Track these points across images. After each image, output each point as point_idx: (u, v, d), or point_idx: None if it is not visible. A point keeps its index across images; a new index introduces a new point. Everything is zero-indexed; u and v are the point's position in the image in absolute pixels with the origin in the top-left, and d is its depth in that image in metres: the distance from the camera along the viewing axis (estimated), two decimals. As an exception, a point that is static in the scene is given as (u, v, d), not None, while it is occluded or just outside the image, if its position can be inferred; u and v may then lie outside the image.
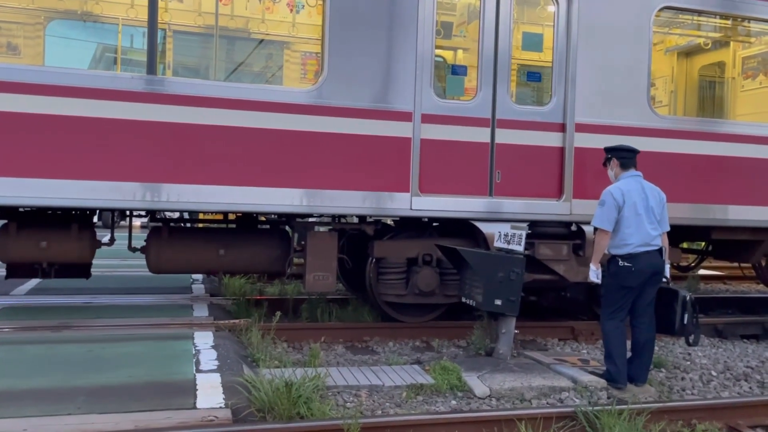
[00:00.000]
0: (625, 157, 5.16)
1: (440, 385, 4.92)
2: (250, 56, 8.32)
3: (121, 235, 7.00)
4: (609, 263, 5.04)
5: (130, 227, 6.73)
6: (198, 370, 4.45)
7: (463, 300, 6.00)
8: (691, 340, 5.08)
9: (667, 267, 5.07)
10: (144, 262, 6.53)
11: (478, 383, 4.97)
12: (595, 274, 5.09)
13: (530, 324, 7.05)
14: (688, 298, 4.98)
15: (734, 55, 8.11)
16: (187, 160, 5.71)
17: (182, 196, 5.71)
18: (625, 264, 4.89)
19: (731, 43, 8.05)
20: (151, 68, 5.75)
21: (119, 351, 4.93)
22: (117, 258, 9.95)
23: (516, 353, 5.92)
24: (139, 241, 6.68)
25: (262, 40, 7.88)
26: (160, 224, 6.60)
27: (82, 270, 6.61)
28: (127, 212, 6.76)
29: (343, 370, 5.23)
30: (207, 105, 5.79)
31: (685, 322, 4.95)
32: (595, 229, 5.13)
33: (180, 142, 5.72)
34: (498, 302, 5.52)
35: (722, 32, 7.94)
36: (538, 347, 6.54)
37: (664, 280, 5.07)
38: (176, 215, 8.12)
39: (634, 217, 4.90)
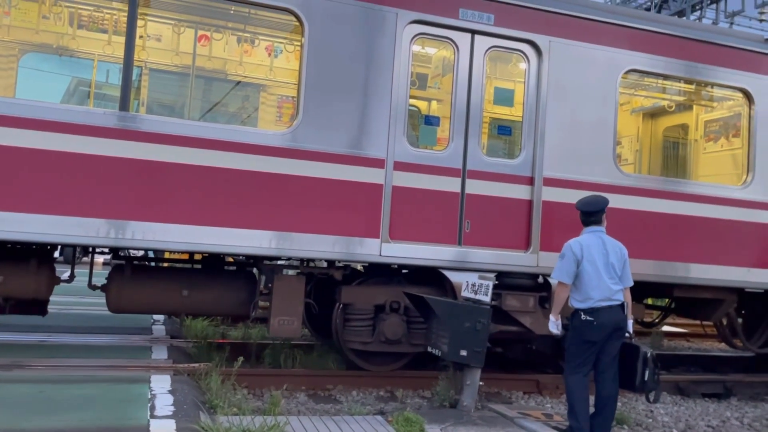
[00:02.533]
0: (582, 221, 5.21)
1: (402, 438, 4.81)
2: (226, 97, 8.36)
3: (81, 271, 6.83)
4: (572, 317, 5.07)
5: (92, 264, 6.57)
6: (152, 416, 4.29)
7: (429, 349, 5.95)
8: (651, 398, 5.09)
9: (630, 322, 5.11)
10: (104, 300, 6.35)
11: (441, 436, 4.89)
12: (554, 326, 5.11)
13: (495, 376, 7.00)
14: (649, 354, 5.00)
15: (697, 118, 8.42)
16: (155, 198, 5.65)
17: (148, 234, 5.62)
18: (588, 318, 4.92)
19: (694, 106, 8.38)
20: (124, 105, 5.73)
21: (72, 393, 4.73)
22: (76, 295, 9.68)
23: (480, 405, 5.85)
24: (100, 278, 6.52)
25: (238, 82, 7.94)
26: (122, 262, 6.46)
27: (39, 306, 6.40)
28: (90, 249, 6.61)
29: (304, 420, 5.09)
30: (179, 143, 5.76)
31: (646, 378, 4.96)
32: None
33: (149, 179, 5.66)
34: (463, 353, 5.49)
35: (686, 96, 8.26)
36: (502, 400, 6.48)
37: (627, 335, 5.10)
38: (140, 253, 7.97)
39: (594, 271, 4.95)
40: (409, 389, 6.54)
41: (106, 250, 7.04)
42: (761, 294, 7.62)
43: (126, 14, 5.87)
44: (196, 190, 5.74)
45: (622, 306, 4.99)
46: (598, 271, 4.94)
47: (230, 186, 5.83)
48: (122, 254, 6.88)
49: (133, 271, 6.35)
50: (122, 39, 5.87)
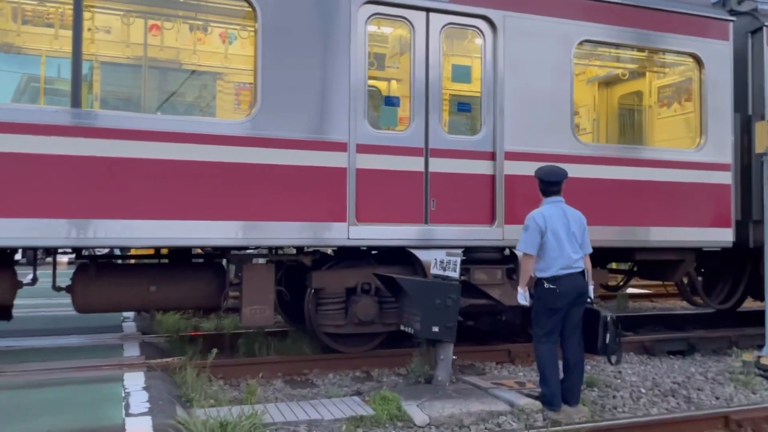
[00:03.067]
0: (542, 190, 5.31)
1: (380, 416, 4.90)
2: (182, 87, 8.20)
3: (45, 272, 6.69)
4: (536, 287, 5.20)
5: (54, 265, 6.45)
6: (128, 414, 4.27)
7: (402, 328, 6.03)
8: (613, 360, 5.27)
9: (591, 288, 5.26)
10: (70, 300, 6.25)
11: (417, 412, 4.98)
12: (522, 297, 5.24)
13: (468, 348, 7.13)
14: (609, 318, 5.17)
15: (650, 84, 8.60)
16: (116, 195, 5.56)
17: (111, 232, 5.53)
18: (550, 286, 5.06)
19: (647, 73, 8.54)
20: (76, 101, 5.59)
21: (43, 397, 4.68)
22: (41, 297, 9.49)
23: (455, 379, 5.97)
24: (65, 278, 6.41)
25: (193, 71, 7.79)
26: (86, 261, 6.35)
27: (3, 312, 6.26)
28: (52, 250, 6.49)
29: (282, 406, 5.14)
30: (136, 138, 5.67)
31: (608, 341, 5.13)
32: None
33: (109, 176, 5.56)
34: (435, 329, 5.58)
35: (639, 63, 8.41)
36: (476, 371, 6.62)
37: (588, 300, 5.25)
38: (104, 251, 7.85)
39: (557, 241, 5.07)
40: (384, 368, 6.63)
41: (69, 250, 6.92)
42: (718, 252, 7.90)
43: (71, 7, 5.70)
44: (157, 185, 5.66)
45: (582, 273, 5.13)
46: (560, 241, 5.07)
47: (192, 178, 5.76)
48: (86, 253, 6.76)
49: (97, 270, 6.26)
50: (69, 33, 5.71)
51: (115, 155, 5.59)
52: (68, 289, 6.23)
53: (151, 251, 7.23)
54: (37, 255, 6.86)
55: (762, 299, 7.38)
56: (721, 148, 7.55)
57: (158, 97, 8.00)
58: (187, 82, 8.03)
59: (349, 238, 6.24)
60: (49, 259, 6.78)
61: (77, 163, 5.48)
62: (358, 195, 6.27)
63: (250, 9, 6.10)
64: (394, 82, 7.79)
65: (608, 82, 8.91)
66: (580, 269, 5.13)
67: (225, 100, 7.92)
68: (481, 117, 6.84)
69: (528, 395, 5.39)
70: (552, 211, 5.17)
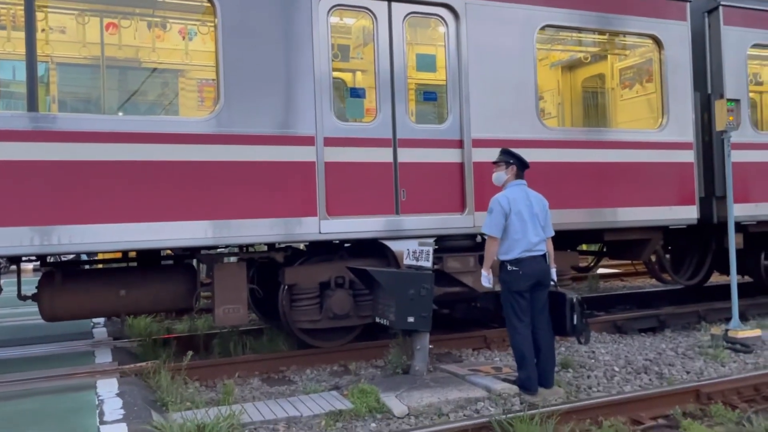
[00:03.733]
0: (522, 169, 5.38)
1: (359, 409, 4.90)
2: (143, 86, 8.04)
3: (10, 281, 6.53)
4: (500, 270, 5.25)
5: (19, 274, 6.28)
6: (102, 422, 4.19)
7: (377, 320, 6.03)
8: (582, 339, 5.37)
9: (553, 271, 5.33)
10: (37, 309, 6.11)
11: (396, 403, 5.00)
12: (486, 279, 5.30)
13: (444, 336, 7.18)
14: (575, 299, 5.25)
15: (612, 67, 8.71)
16: (79, 200, 5.43)
17: (75, 238, 5.40)
18: (513, 268, 5.13)
19: (609, 56, 8.65)
20: (32, 104, 5.43)
21: (14, 409, 4.57)
22: (7, 307, 9.27)
23: (432, 368, 6.00)
24: (30, 287, 6.25)
25: (154, 69, 7.65)
26: (52, 269, 6.21)
27: (-33, 324, 6.10)
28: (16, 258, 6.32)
29: (260, 405, 5.10)
30: (98, 140, 5.54)
31: (575, 322, 5.21)
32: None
33: (71, 180, 5.43)
34: (411, 319, 5.58)
35: (600, 46, 8.50)
36: (453, 359, 6.66)
37: (552, 283, 5.32)
38: (71, 257, 7.68)
39: (520, 223, 5.13)
40: (361, 361, 6.63)
41: (33, 258, 6.75)
42: (684, 230, 8.06)
43: (23, 8, 5.53)
44: (122, 187, 5.55)
45: (544, 257, 5.20)
46: (524, 223, 5.13)
47: (158, 179, 5.66)
48: (51, 260, 6.60)
49: (64, 277, 6.12)
50: (22, 34, 5.54)
51: (76, 159, 5.46)
52: (34, 297, 6.08)
53: (119, 255, 7.10)
54: (1, 264, 6.69)
55: (727, 274, 7.57)
56: (683, 127, 7.69)
57: (119, 97, 7.83)
58: (148, 80, 7.87)
59: (320, 233, 6.20)
60: (14, 268, 6.61)
61: (37, 168, 5.34)
62: (328, 188, 6.23)
63: (209, 4, 5.99)
64: (359, 74, 7.75)
65: (571, 66, 9.00)
66: (541, 252, 5.20)
67: (188, 97, 7.79)
68: (447, 105, 6.84)
69: (505, 380, 5.44)
70: (516, 194, 5.24)
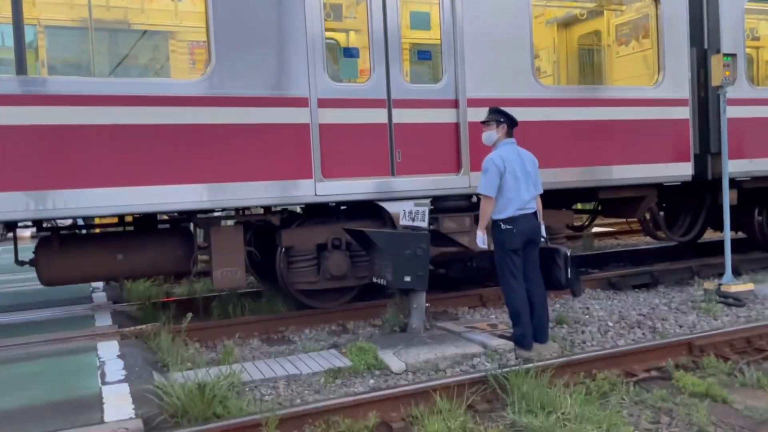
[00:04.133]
0: (512, 127, 5.37)
1: (357, 366, 4.98)
2: (133, 49, 7.92)
3: (7, 248, 6.54)
4: (493, 229, 5.28)
5: (15, 240, 6.29)
6: (104, 383, 4.26)
7: (374, 280, 6.08)
8: (575, 292, 5.43)
9: (543, 227, 5.36)
10: (35, 275, 6.14)
11: (394, 360, 5.08)
12: (480, 240, 5.35)
13: (441, 296, 7.26)
14: (568, 253, 5.30)
15: (608, 23, 8.60)
16: (73, 164, 5.40)
17: (71, 202, 5.40)
18: (507, 227, 5.16)
19: (605, 11, 8.53)
20: (21, 68, 5.35)
21: (16, 372, 4.62)
22: (5, 273, 9.30)
23: (429, 326, 6.08)
24: (28, 253, 6.27)
25: (145, 32, 7.52)
26: (48, 233, 6.21)
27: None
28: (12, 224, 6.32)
29: (259, 364, 5.18)
30: (89, 103, 5.49)
31: (569, 275, 5.27)
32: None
33: (63, 145, 5.39)
34: (407, 279, 5.64)
35: (596, 2, 8.38)
36: (449, 317, 6.75)
37: (542, 240, 5.36)
38: (67, 222, 7.67)
39: (514, 182, 5.15)
40: (359, 320, 6.71)
41: (30, 223, 6.75)
42: (678, 186, 8.09)
43: (7, -31, 5.40)
44: (116, 151, 5.52)
45: (534, 214, 5.24)
46: (517, 182, 5.15)
47: (151, 142, 5.63)
48: (47, 225, 6.60)
49: (61, 242, 6.13)
50: (8, -3, 5.42)
51: (68, 122, 5.42)
52: (32, 262, 6.10)
53: (115, 220, 7.11)
54: (-3, 231, 6.69)
55: (721, 230, 7.62)
56: (679, 83, 7.64)
57: (109, 61, 7.72)
58: (138, 43, 7.75)
59: (316, 195, 6.20)
60: (11, 234, 6.62)
61: (29, 132, 5.30)
62: (323, 150, 6.21)
63: (197, -38, 5.86)
64: (352, 33, 7.63)
65: (567, 23, 8.88)
66: (532, 210, 5.24)
67: (179, 60, 7.68)
68: (442, 64, 6.77)
69: (500, 336, 5.53)
70: (508, 153, 5.24)
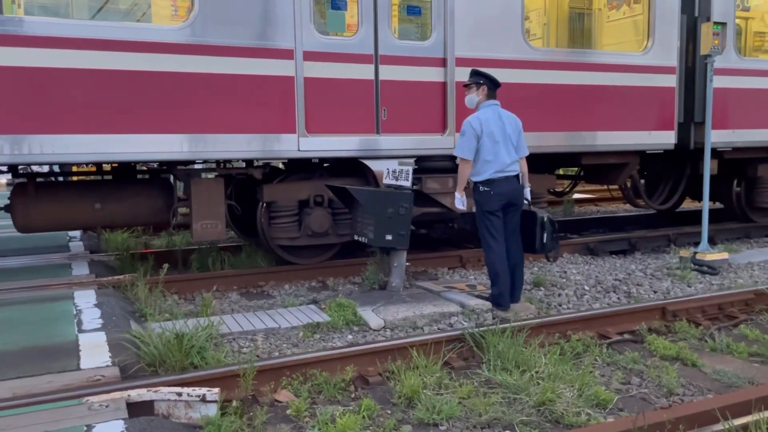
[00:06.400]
0: (494, 88, 5.31)
1: (336, 322, 5.01)
2: (113, -8, 7.64)
3: (-19, 194, 6.40)
4: (473, 191, 5.28)
5: (-10, 185, 6.16)
6: (80, 331, 4.24)
7: (356, 237, 6.08)
8: (551, 258, 5.49)
9: (527, 190, 5.37)
10: (11, 221, 6.03)
11: (372, 316, 5.12)
12: (459, 201, 5.36)
13: (421, 256, 7.29)
14: (546, 218, 5.33)
15: (601, -14, 8.49)
16: (50, 109, 5.26)
17: (47, 148, 5.28)
18: (485, 189, 5.17)
19: (598, -25, 8.41)
20: (-4, 6, 5.15)
21: (-10, 318, 4.58)
22: (-19, 220, 9.13)
23: (408, 284, 6.12)
24: (3, 200, 6.15)
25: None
26: (24, 180, 6.09)
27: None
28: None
29: (238, 317, 5.19)
30: (67, 46, 5.32)
31: (545, 240, 5.31)
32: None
33: (40, 88, 5.24)
34: (389, 237, 5.64)
35: (589, -36, 8.25)
36: (429, 277, 6.80)
37: (525, 203, 5.37)
38: (44, 169, 7.53)
39: (492, 144, 5.12)
40: (339, 277, 6.74)
41: (5, 169, 6.60)
42: (660, 155, 8.13)
43: None
44: (94, 97, 5.38)
45: (517, 177, 5.22)
46: (496, 144, 5.12)
47: (131, 89, 5.49)
48: (22, 171, 6.47)
49: (38, 189, 6.01)
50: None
51: (45, 65, 5.25)
52: (6, 208, 5.99)
53: (93, 169, 6.98)
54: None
55: (700, 199, 7.71)
56: (667, 50, 7.60)
57: (89, 5, 7.46)
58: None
59: (299, 150, 6.13)
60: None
61: (4, 74, 5.13)
62: (307, 105, 6.11)
63: None
64: (340, -15, 7.43)
65: (559, -15, 8.74)
66: (514, 173, 5.22)
67: (161, 5, 7.44)
68: (431, 22, 6.65)
69: (478, 296, 5.59)
70: (488, 115, 5.19)
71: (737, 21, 8.45)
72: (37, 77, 5.23)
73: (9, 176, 7.40)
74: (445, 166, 6.88)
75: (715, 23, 6.86)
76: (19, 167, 6.30)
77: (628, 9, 8.14)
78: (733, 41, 7.95)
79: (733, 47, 8.00)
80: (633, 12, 7.97)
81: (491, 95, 5.29)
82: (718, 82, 7.28)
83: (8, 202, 6.02)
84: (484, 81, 5.27)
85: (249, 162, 6.53)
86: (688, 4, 7.81)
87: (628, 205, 10.80)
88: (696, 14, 7.86)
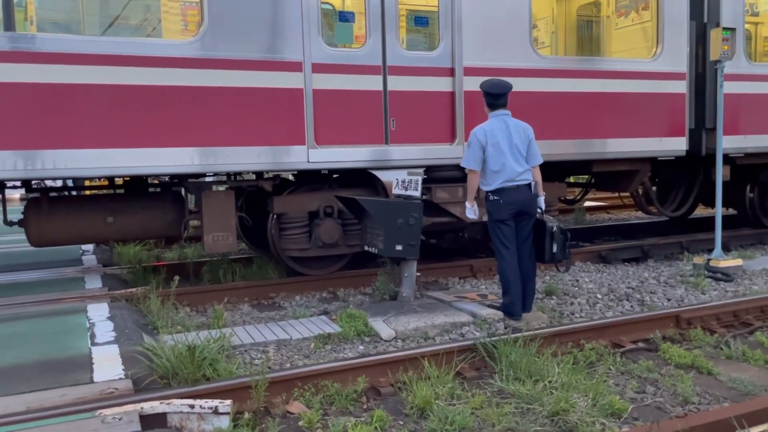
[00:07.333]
0: (489, 104, 5.29)
1: (347, 333, 5.00)
2: (125, 9, 7.76)
3: (-5, 209, 6.46)
4: (486, 201, 5.28)
5: (4, 200, 6.22)
6: (94, 344, 4.26)
7: (366, 248, 6.08)
8: (561, 269, 5.45)
9: (541, 199, 5.34)
10: (25, 236, 6.09)
11: (383, 327, 5.10)
12: (470, 211, 5.40)
13: (432, 265, 7.28)
14: (555, 228, 5.29)
15: (608, -6, 8.49)
16: (63, 124, 5.32)
17: (60, 163, 5.33)
18: (495, 198, 5.18)
19: (606, -18, 8.42)
20: (9, 24, 5.23)
21: (6, 332, 4.61)
22: (-5, 234, 9.24)
23: (419, 294, 6.11)
24: (17, 215, 6.21)
25: (136, -9, 7.37)
26: (37, 195, 6.15)
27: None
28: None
29: (250, 328, 5.20)
30: (80, 62, 5.39)
31: (555, 251, 5.28)
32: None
33: (53, 104, 5.30)
34: (399, 247, 5.64)
35: (597, -28, 8.27)
36: (440, 287, 6.78)
37: (538, 212, 5.35)
38: (58, 184, 7.61)
39: (498, 154, 5.12)
40: (350, 288, 6.73)
41: (18, 183, 6.68)
42: (671, 161, 8.09)
43: None
44: (106, 111, 5.44)
45: (529, 186, 5.20)
46: (503, 154, 5.11)
47: (142, 104, 5.54)
48: (35, 186, 6.53)
49: (51, 203, 6.07)
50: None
51: (58, 81, 5.32)
52: (21, 223, 6.05)
53: (105, 183, 7.05)
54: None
55: (712, 206, 7.64)
56: (677, 56, 7.57)
57: (100, 20, 7.57)
58: (130, 3, 7.60)
59: (309, 162, 6.16)
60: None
61: (18, 90, 5.20)
62: (316, 117, 6.14)
63: None
64: (348, -2, 7.50)
65: (566, -7, 8.76)
66: (526, 182, 5.18)
67: (171, 20, 7.55)
68: (438, 32, 6.67)
69: (490, 306, 5.56)
70: (494, 125, 5.19)
71: (747, 26, 8.42)
72: (50, 93, 5.30)
73: (23, 191, 7.49)
74: (454, 175, 6.87)
75: (725, 29, 6.83)
76: (33, 182, 6.37)
77: (636, 16, 8.14)
78: (743, 46, 7.91)
79: (743, 52, 7.95)
80: (641, 18, 7.97)
81: (494, 105, 5.26)
82: (728, 87, 7.24)
83: (22, 216, 6.08)
84: (482, 93, 5.29)
85: (259, 174, 6.56)
86: (697, 9, 7.79)
87: (639, 212, 10.71)
88: (705, 20, 7.83)
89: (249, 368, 4.31)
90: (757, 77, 8.08)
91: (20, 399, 3.37)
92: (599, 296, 6.22)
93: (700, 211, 10.50)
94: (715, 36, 6.85)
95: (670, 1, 7.49)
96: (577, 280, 6.89)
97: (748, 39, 8.79)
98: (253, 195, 6.85)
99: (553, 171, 7.41)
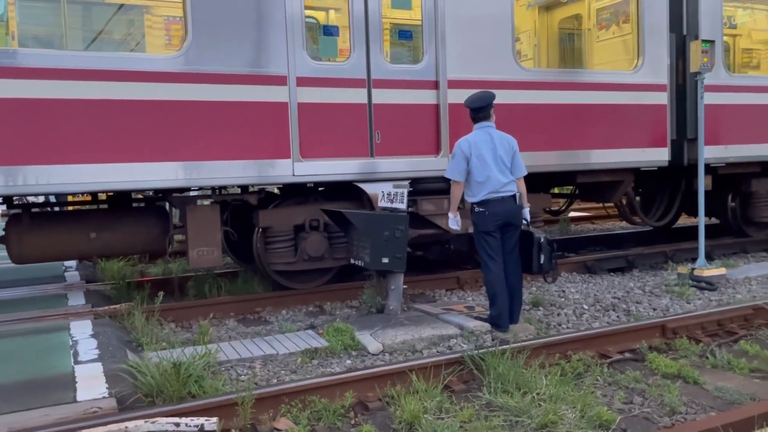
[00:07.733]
0: (472, 117, 5.36)
1: (334, 347, 4.97)
2: (108, 24, 7.73)
3: (-24, 226, 6.37)
4: (471, 213, 5.30)
5: (-15, 217, 6.15)
6: (77, 362, 4.19)
7: (352, 261, 6.07)
8: (549, 279, 5.48)
9: (526, 211, 5.37)
10: (5, 252, 6.00)
11: (371, 340, 5.08)
12: (454, 222, 5.44)
13: (418, 278, 7.27)
14: (542, 239, 5.32)
15: (589, 7, 8.61)
16: (45, 139, 5.27)
17: (42, 178, 5.27)
18: (480, 209, 5.21)
19: (586, -5, 8.54)
20: (-10, 39, 5.19)
21: (-15, 351, 4.53)
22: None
23: (406, 307, 6.09)
24: (-2, 231, 6.14)
25: (121, 6, 7.34)
26: (19, 211, 6.07)
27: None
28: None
29: (236, 344, 5.15)
30: (62, 77, 5.34)
31: (542, 262, 5.31)
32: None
33: (35, 119, 5.25)
34: (385, 260, 5.63)
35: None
36: (427, 299, 6.77)
37: (524, 223, 5.37)
38: (40, 199, 7.52)
39: (483, 166, 5.16)
40: (336, 301, 6.70)
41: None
42: (655, 172, 8.17)
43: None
44: (89, 127, 5.39)
45: (514, 197, 5.23)
46: (487, 166, 5.15)
47: (126, 118, 5.50)
48: (17, 202, 6.45)
49: (32, 219, 6.00)
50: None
51: (40, 96, 5.27)
52: (2, 240, 5.97)
53: (88, 198, 6.97)
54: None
55: (695, 215, 7.72)
56: (658, 68, 7.68)
57: (83, 35, 7.53)
58: (114, 17, 7.58)
59: (294, 175, 6.14)
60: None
61: (-1, 106, 5.15)
62: (301, 130, 6.14)
63: (173, -66, 5.71)
64: (332, 12, 7.53)
65: (548, 7, 8.87)
66: (510, 193, 5.22)
67: (155, 35, 7.53)
68: (422, 45, 6.71)
69: (477, 318, 5.56)
70: (478, 137, 5.24)
71: (725, 38, 8.56)
72: (32, 108, 5.24)
73: (4, 207, 7.39)
74: (440, 187, 6.89)
75: (704, 41, 6.95)
76: (14, 198, 6.29)
77: (617, 29, 8.25)
78: (722, 58, 8.04)
79: (723, 64, 8.09)
80: (622, 31, 8.08)
81: (477, 119, 5.32)
82: (708, 98, 7.35)
83: (2, 233, 6.00)
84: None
85: (244, 188, 6.54)
86: (677, 22, 7.92)
87: (624, 222, 10.80)
88: (684, 32, 7.96)
89: (235, 384, 4.26)
90: (737, 88, 8.21)
91: (2, 420, 3.30)
92: (585, 307, 6.25)
93: (684, 221, 10.60)
94: (694, 48, 6.96)
95: (650, 14, 7.61)
96: (564, 291, 6.92)
97: (726, 51, 8.94)
98: (239, 209, 6.82)
99: (537, 182, 7.46)
